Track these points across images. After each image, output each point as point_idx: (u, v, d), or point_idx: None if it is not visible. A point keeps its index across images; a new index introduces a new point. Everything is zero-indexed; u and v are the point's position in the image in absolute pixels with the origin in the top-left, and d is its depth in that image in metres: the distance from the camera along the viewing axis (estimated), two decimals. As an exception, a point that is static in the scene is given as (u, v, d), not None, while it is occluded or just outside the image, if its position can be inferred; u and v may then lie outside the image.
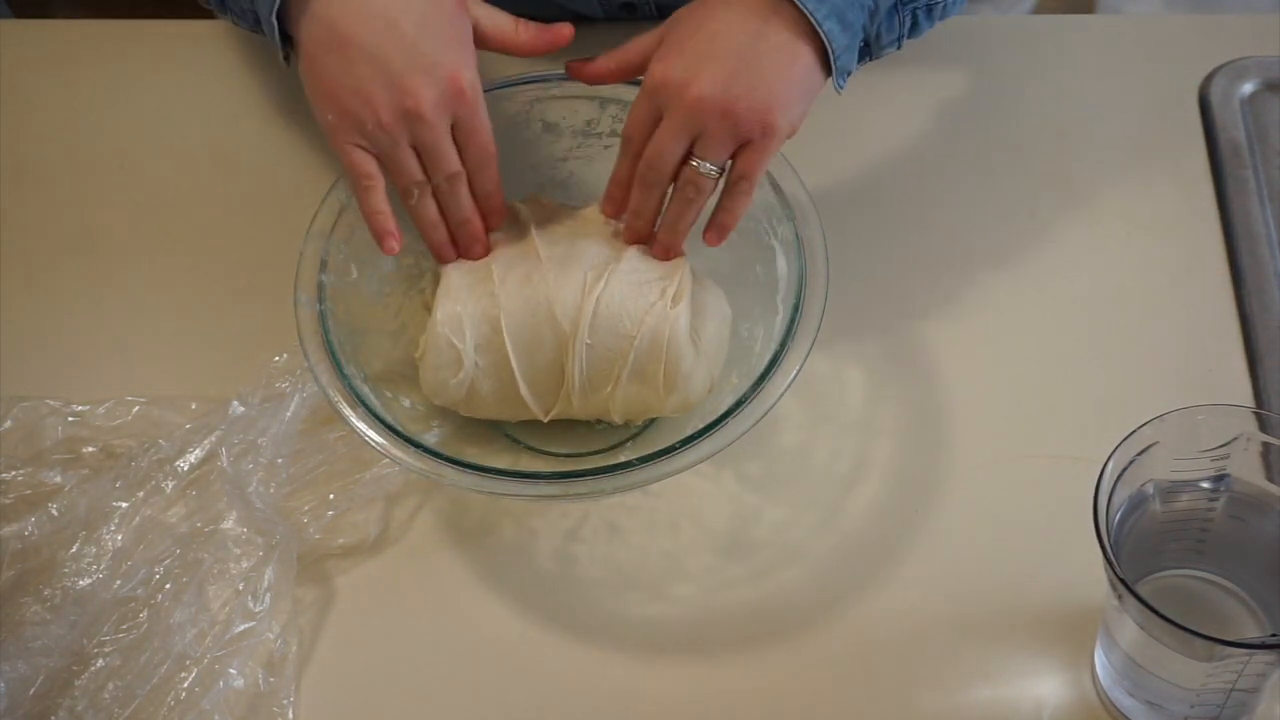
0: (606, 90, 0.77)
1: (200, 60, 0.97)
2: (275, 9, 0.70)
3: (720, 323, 0.75)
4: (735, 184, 0.71)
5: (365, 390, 0.72)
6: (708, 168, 0.70)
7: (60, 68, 1.00)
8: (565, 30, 0.74)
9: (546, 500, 0.76)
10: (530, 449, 0.78)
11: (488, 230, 0.75)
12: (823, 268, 0.73)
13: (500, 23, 0.74)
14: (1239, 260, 0.83)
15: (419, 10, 0.70)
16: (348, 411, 0.71)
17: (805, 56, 0.69)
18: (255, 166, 0.92)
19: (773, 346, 0.71)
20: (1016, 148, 0.89)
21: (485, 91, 0.72)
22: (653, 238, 0.74)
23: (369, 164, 0.71)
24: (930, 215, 0.87)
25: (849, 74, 0.71)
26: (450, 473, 0.69)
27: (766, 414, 0.69)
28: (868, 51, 0.71)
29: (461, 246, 0.74)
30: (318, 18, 0.70)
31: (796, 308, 0.72)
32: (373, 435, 0.70)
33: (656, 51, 0.71)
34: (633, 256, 0.74)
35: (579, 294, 0.72)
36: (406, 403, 0.76)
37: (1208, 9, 1.23)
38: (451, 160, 0.72)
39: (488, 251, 0.75)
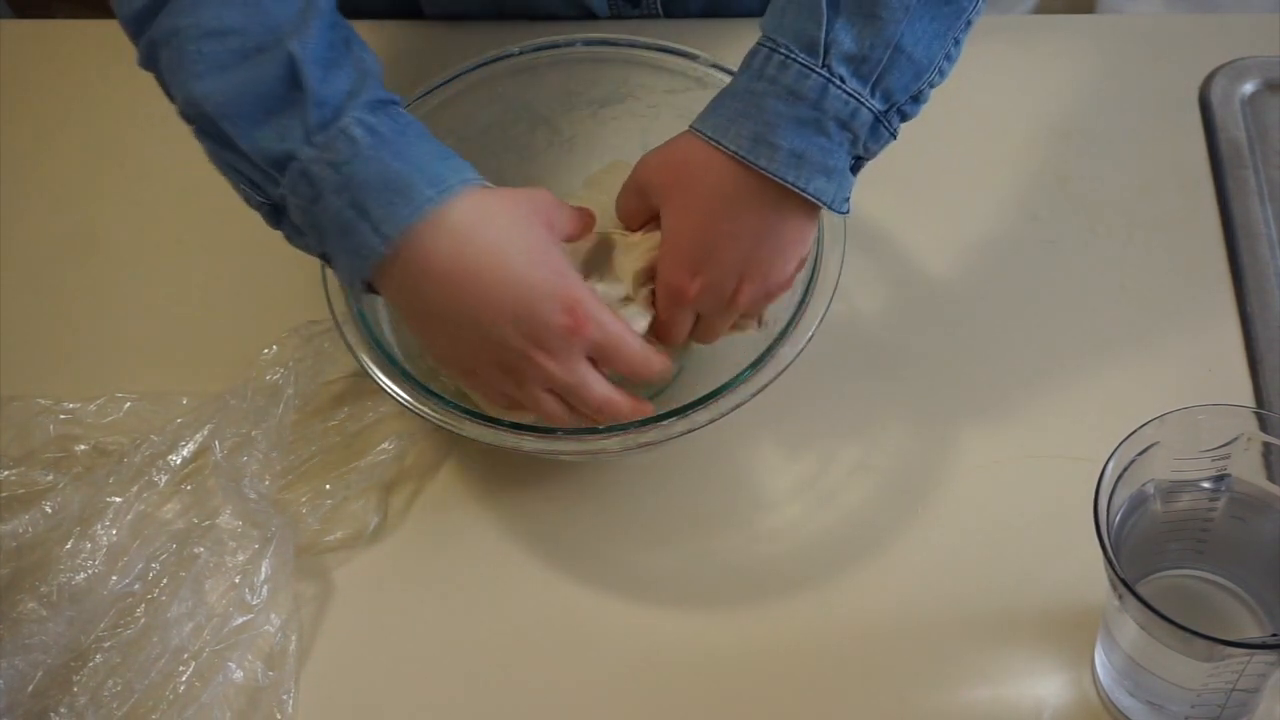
0: None
1: (200, 60, 0.97)
2: (363, 277, 0.67)
3: None
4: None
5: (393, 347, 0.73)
6: (754, 327, 0.73)
7: (60, 68, 1.00)
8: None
9: (554, 456, 0.76)
10: None
11: None
12: (840, 231, 0.74)
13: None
14: (1239, 260, 0.83)
15: (518, 263, 0.66)
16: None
17: (811, 218, 0.69)
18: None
19: (790, 310, 0.73)
20: (1017, 148, 0.89)
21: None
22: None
23: (503, 400, 0.70)
24: (929, 215, 0.87)
25: (848, 197, 0.69)
26: (471, 426, 0.70)
27: (779, 376, 0.71)
28: (860, 164, 0.69)
29: None
30: (405, 289, 0.67)
31: (812, 274, 0.73)
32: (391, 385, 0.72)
33: (669, 254, 0.69)
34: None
35: None
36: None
37: (1208, 9, 1.23)
38: (593, 389, 0.68)
39: None
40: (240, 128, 0.64)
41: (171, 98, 0.68)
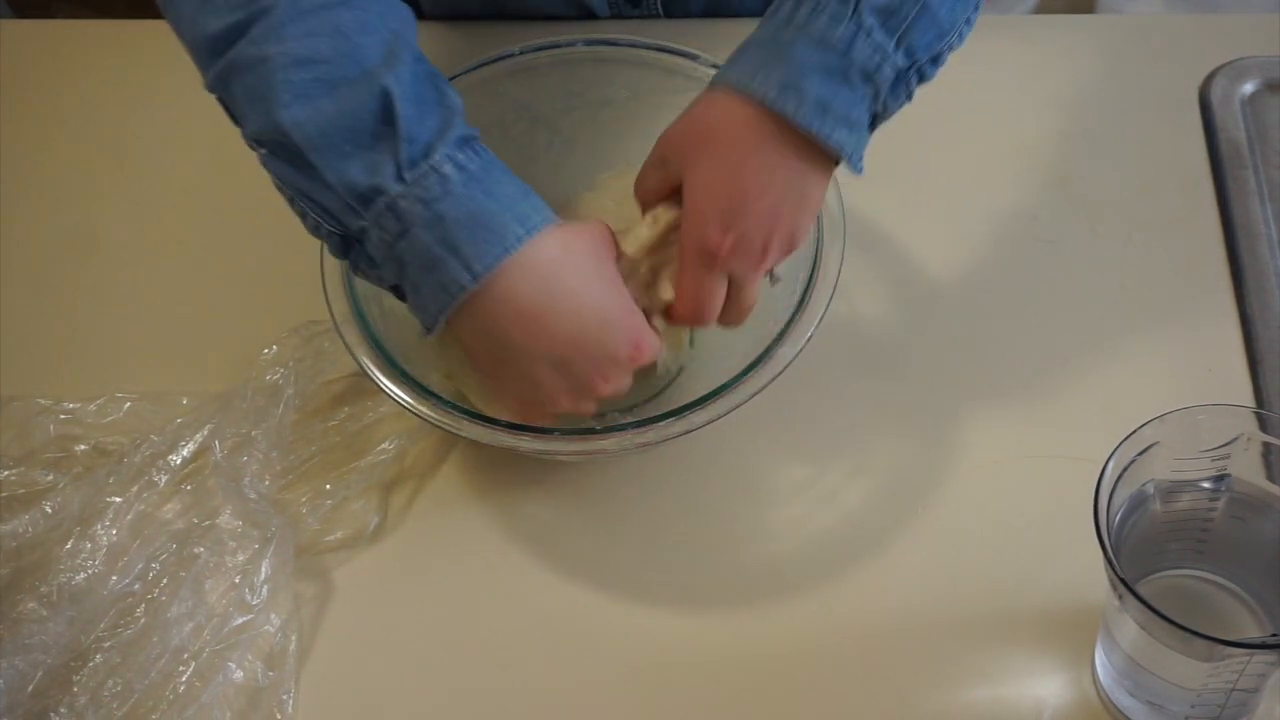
0: None
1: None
2: (449, 313, 0.67)
3: None
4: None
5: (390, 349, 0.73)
6: (775, 278, 0.73)
7: (60, 68, 1.00)
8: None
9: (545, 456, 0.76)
10: None
11: None
12: (840, 229, 0.74)
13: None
14: (1239, 260, 0.83)
15: (596, 301, 0.68)
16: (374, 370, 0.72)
17: (828, 174, 0.69)
18: (252, 165, 0.92)
19: (788, 312, 0.73)
20: (1017, 148, 0.89)
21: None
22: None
23: (548, 419, 0.71)
24: (929, 214, 0.87)
25: (863, 156, 0.69)
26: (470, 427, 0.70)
27: (778, 376, 0.70)
28: (876, 123, 0.69)
29: None
30: (485, 326, 0.67)
31: (812, 273, 0.73)
32: (392, 387, 0.71)
33: (697, 213, 0.68)
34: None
35: None
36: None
37: (1208, 9, 1.23)
38: (624, 389, 0.71)
39: None
40: (328, 159, 0.64)
41: (239, 122, 0.67)
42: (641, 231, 0.72)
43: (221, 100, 0.68)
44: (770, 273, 0.71)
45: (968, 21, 0.68)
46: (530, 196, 0.68)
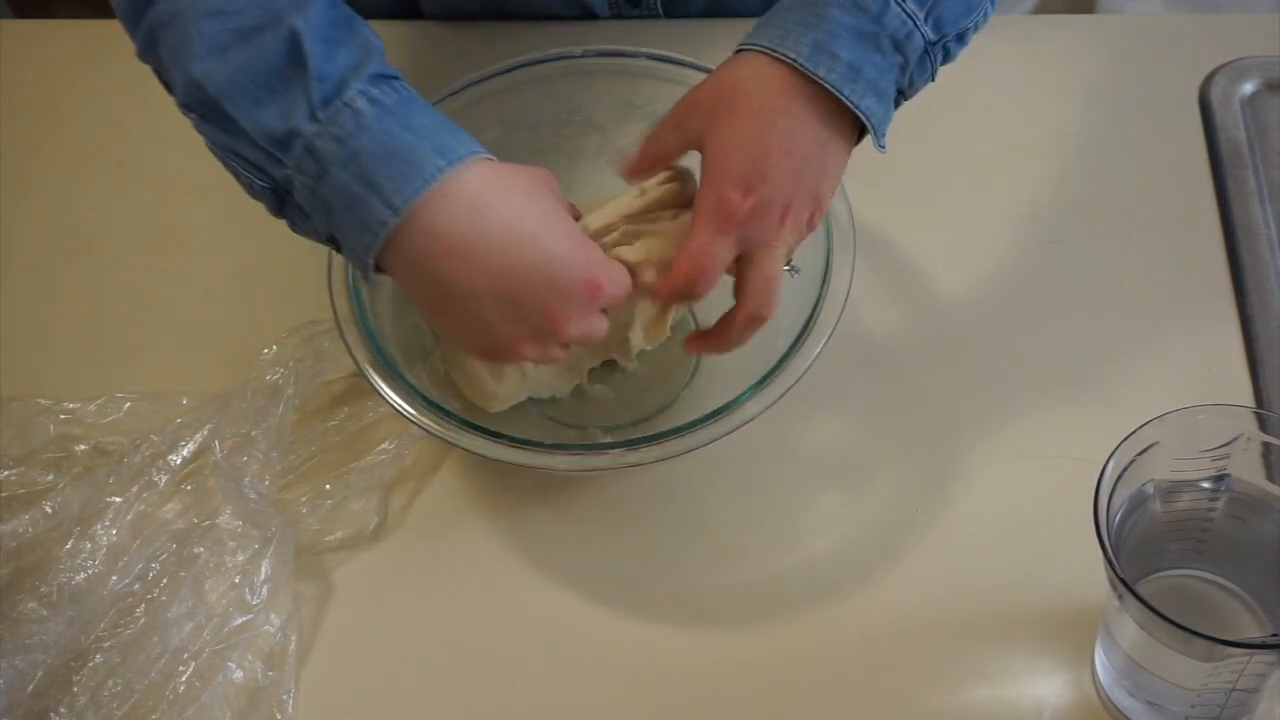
0: None
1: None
2: (375, 252, 0.64)
3: None
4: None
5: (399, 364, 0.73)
6: (794, 269, 0.71)
7: (60, 68, 1.00)
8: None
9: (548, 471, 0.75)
10: (560, 423, 0.78)
11: None
12: (850, 237, 0.74)
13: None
14: (1239, 260, 0.83)
15: (534, 231, 0.65)
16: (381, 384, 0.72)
17: (849, 147, 0.69)
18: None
19: (798, 326, 0.72)
20: (1017, 148, 0.89)
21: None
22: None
23: (507, 363, 0.70)
24: (929, 215, 0.87)
25: (886, 133, 0.69)
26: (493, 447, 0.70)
27: (788, 392, 0.70)
28: (901, 98, 0.69)
29: None
30: (418, 264, 0.64)
31: (823, 283, 0.73)
32: (400, 402, 0.71)
33: (717, 173, 0.66)
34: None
35: None
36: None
37: (1208, 9, 1.23)
38: (598, 332, 0.68)
39: None
40: (242, 107, 0.63)
41: (170, 88, 0.66)
42: (623, 201, 0.69)
43: (155, 69, 0.67)
44: (789, 263, 0.70)
45: (992, 2, 0.69)
46: (454, 130, 0.65)
